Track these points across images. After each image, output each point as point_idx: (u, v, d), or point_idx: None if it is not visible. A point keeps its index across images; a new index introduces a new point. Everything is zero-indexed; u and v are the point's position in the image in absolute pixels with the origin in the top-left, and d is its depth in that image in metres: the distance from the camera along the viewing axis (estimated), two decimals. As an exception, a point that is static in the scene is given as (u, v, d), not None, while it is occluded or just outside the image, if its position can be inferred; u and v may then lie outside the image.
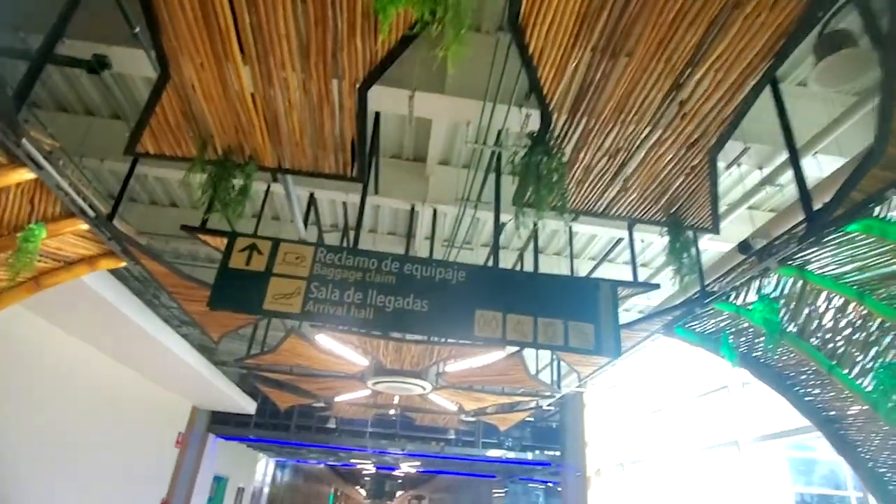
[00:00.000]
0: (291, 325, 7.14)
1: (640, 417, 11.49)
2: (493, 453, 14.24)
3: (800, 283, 4.53)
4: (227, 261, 3.90)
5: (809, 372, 4.89)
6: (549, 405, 11.98)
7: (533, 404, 10.57)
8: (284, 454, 18.86)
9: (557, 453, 14.35)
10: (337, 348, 7.02)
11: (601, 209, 3.81)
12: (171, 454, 11.37)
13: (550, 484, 20.17)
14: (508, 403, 10.50)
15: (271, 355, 7.47)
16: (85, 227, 4.43)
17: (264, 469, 19.82)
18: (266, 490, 20.34)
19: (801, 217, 4.19)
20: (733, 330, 5.35)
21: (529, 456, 14.31)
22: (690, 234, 3.88)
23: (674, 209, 3.76)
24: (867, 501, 6.00)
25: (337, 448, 14.85)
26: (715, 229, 3.83)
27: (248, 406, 12.35)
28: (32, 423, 6.96)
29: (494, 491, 22.25)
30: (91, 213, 4.36)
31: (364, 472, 27.84)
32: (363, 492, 51.26)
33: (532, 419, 14.30)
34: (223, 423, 13.41)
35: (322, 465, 25.79)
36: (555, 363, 9.08)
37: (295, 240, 4.30)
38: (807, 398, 4.92)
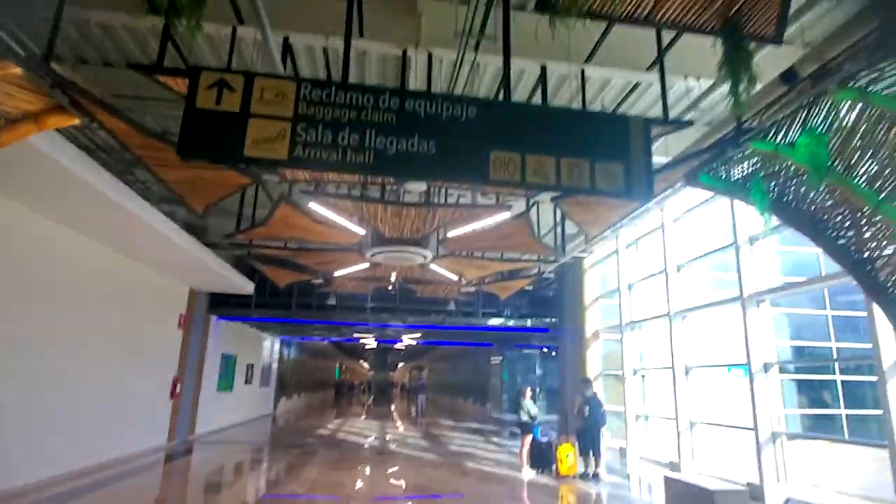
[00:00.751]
0: (281, 193, 6.62)
1: (641, 280, 11.61)
2: (493, 322, 14.60)
3: (853, 113, 4.02)
4: (194, 99, 3.26)
5: (846, 213, 4.56)
6: (549, 272, 11.98)
7: (535, 271, 10.51)
8: (288, 333, 19.43)
9: (555, 320, 14.77)
10: (332, 217, 6.59)
11: (644, 13, 3.12)
12: (175, 335, 11.46)
13: (545, 349, 21.25)
14: (510, 271, 10.40)
15: (263, 228, 7.04)
16: (18, 71, 3.69)
17: (271, 347, 20.56)
18: (275, 366, 21.30)
19: (869, 27, 3.55)
20: (764, 174, 4.94)
21: (528, 323, 14.74)
22: (750, 44, 3.24)
23: (732, 11, 3.09)
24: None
25: (338, 324, 15.18)
26: (778, 38, 3.19)
27: (247, 286, 12.25)
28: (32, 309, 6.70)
29: (492, 358, 23.54)
30: (20, 51, 3.60)
31: (367, 347, 29.21)
32: (367, 365, 54.72)
33: (530, 287, 14.47)
34: (223, 305, 13.45)
35: (326, 342, 26.88)
36: (558, 228, 8.78)
37: (271, 74, 3.62)
38: (839, 241, 4.64)
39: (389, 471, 9.20)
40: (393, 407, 30.57)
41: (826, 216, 4.76)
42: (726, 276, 18.85)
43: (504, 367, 22.86)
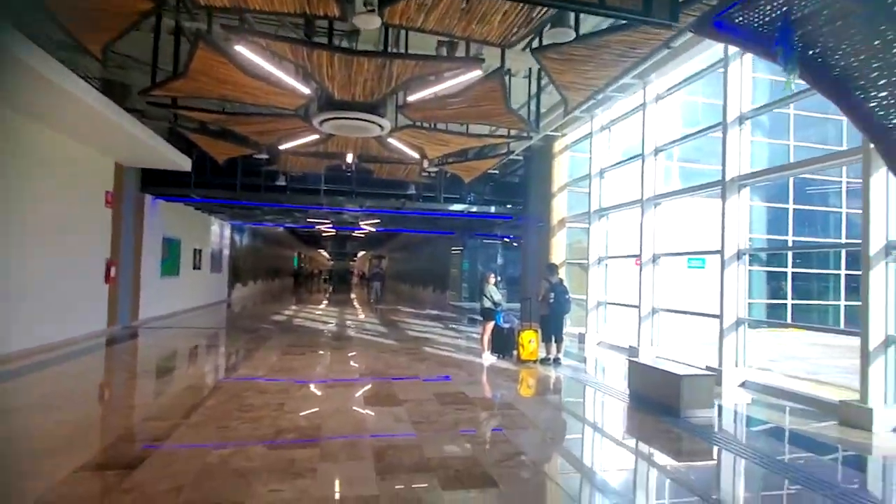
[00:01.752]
0: (198, 30, 5.30)
1: (615, 166, 10.97)
2: (455, 208, 13.91)
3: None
4: None
5: (883, 69, 3.83)
6: (517, 153, 11.13)
7: (503, 150, 9.63)
8: (238, 217, 18.28)
9: (520, 207, 14.20)
10: (266, 66, 5.38)
11: None
12: (103, 214, 10.25)
13: (507, 239, 21.03)
14: (476, 150, 9.51)
15: (183, 81, 5.75)
16: None
17: (220, 232, 19.48)
18: (226, 252, 20.38)
19: None
20: (792, 18, 4.06)
21: (492, 210, 14.12)
22: None
23: None
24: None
25: (290, 207, 14.15)
26: None
27: (182, 162, 10.92)
28: None
29: (453, 247, 23.28)
30: None
31: (325, 235, 28.41)
32: (326, 253, 54.36)
33: (496, 171, 13.68)
34: (158, 183, 12.12)
35: (282, 229, 25.88)
36: (532, 101, 7.77)
37: None
38: (870, 103, 3.97)
39: (347, 355, 8.87)
40: (353, 295, 30.67)
41: (857, 74, 4.01)
42: (696, 166, 18.56)
43: (465, 256, 22.74)
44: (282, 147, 8.66)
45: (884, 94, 3.91)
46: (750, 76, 7.53)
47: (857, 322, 5.65)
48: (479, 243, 22.85)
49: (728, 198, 7.37)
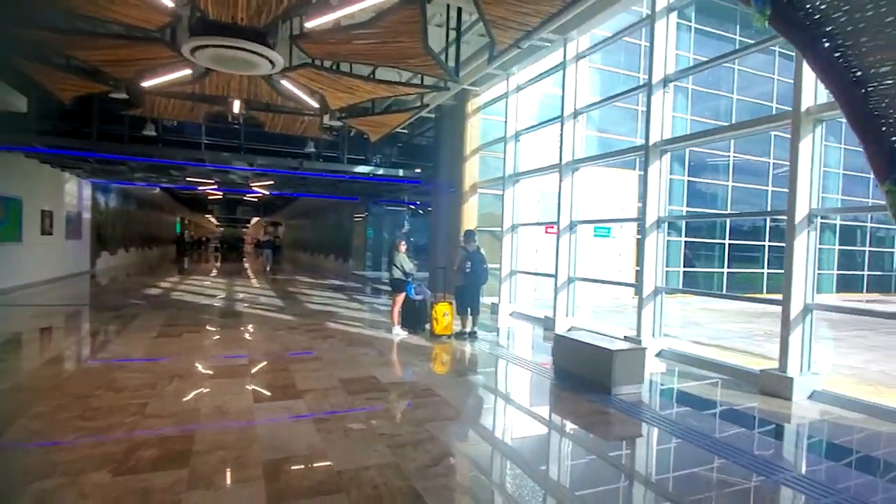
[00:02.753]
0: None
1: (533, 129, 10.48)
2: (360, 170, 12.75)
3: None
4: None
5: (852, 13, 3.48)
6: (429, 110, 10.24)
7: (416, 105, 8.68)
8: (98, 174, 15.50)
9: (429, 171, 13.38)
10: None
11: None
12: None
13: (413, 206, 20.19)
14: (386, 101, 8.47)
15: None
16: None
17: (78, 192, 16.50)
18: (86, 216, 17.41)
19: None
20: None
21: (400, 173, 13.14)
22: None
23: None
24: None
25: (164, 162, 12.09)
26: None
27: (15, 101, 8.70)
28: None
29: (356, 214, 21.97)
30: None
31: (210, 197, 25.62)
32: (213, 219, 49.97)
33: (405, 131, 12.69)
34: (-17, 127, 9.63)
35: (157, 190, 22.82)
36: (452, 48, 6.87)
37: None
38: (835, 53, 3.63)
39: (235, 335, 7.63)
40: (246, 264, 28.27)
41: (829, 22, 3.64)
42: (609, 136, 18.88)
43: (369, 224, 21.59)
44: (145, 84, 7.01)
45: (849, 42, 3.57)
46: (674, 36, 7.24)
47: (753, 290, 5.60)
48: (383, 210, 21.81)
49: (651, 164, 7.11)
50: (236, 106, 8.66)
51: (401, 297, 7.87)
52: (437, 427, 3.99)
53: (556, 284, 8.88)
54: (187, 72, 6.48)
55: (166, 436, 3.53)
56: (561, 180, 8.81)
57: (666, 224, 7.34)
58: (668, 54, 7.09)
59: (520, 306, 10.59)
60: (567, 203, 8.85)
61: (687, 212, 20.88)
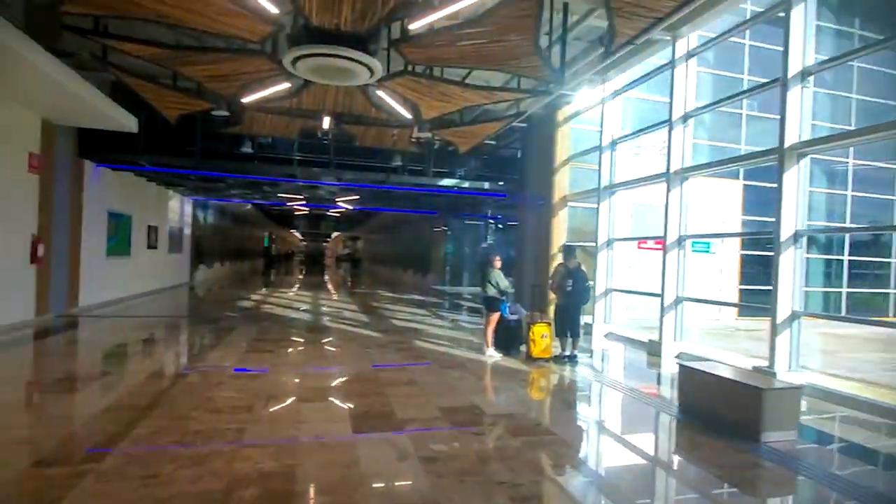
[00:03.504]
0: None
1: (633, 135, 9.74)
2: (445, 183, 12.47)
3: None
4: None
5: None
6: (521, 120, 9.76)
7: (511, 112, 8.25)
8: (200, 191, 16.42)
9: (514, 184, 12.86)
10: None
11: None
12: (27, 181, 8.51)
13: (493, 220, 19.73)
14: (477, 109, 8.09)
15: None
16: None
17: (181, 208, 17.59)
18: (187, 231, 18.50)
19: None
20: None
21: (486, 186, 12.73)
22: None
23: None
24: None
25: (259, 179, 12.48)
26: None
27: (126, 122, 9.18)
28: None
29: (435, 228, 21.85)
30: None
31: (297, 213, 26.62)
32: (298, 234, 52.23)
33: (493, 142, 12.26)
34: (100, 148, 10.33)
35: (250, 206, 23.99)
36: (557, 48, 6.35)
37: None
38: None
39: (325, 351, 7.48)
40: (327, 277, 29.05)
41: None
42: (712, 143, 17.47)
43: (448, 238, 21.38)
44: (245, 101, 7.10)
45: None
46: (814, 22, 6.30)
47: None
48: (462, 224, 21.53)
49: (786, 170, 6.18)
50: (327, 122, 8.72)
51: (495, 317, 7.37)
52: (563, 477, 3.42)
53: (662, 305, 8.01)
54: (286, 85, 6.46)
55: (266, 471, 3.23)
56: (669, 191, 7.99)
57: (805, 239, 6.34)
58: (806, 43, 6.16)
59: (616, 327, 9.75)
60: (675, 216, 7.99)
61: (827, 226, 18.80)
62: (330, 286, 22.26)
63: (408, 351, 7.61)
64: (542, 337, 7.09)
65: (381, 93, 6.62)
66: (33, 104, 8.25)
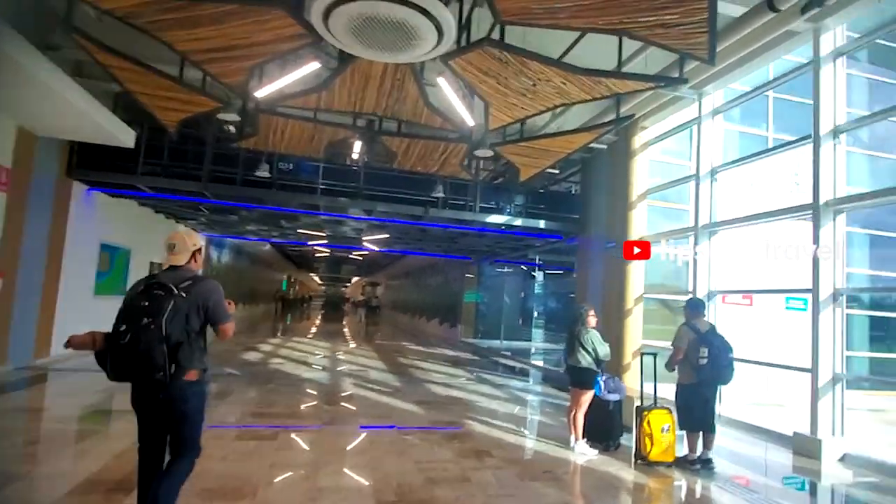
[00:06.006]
0: None
1: (745, 160, 7.77)
2: (494, 220, 10.56)
3: None
4: None
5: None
6: (614, 131, 7.91)
7: (610, 118, 6.38)
8: (212, 225, 14.79)
9: (562, 223, 10.90)
10: None
11: None
12: (-9, 201, 6.87)
13: (537, 268, 17.70)
14: (562, 110, 6.25)
15: None
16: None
17: (191, 245, 15.98)
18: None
19: None
20: None
21: (541, 224, 10.76)
22: None
23: None
24: None
25: (275, 209, 10.72)
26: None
27: (122, 135, 7.63)
28: None
29: (467, 275, 19.82)
30: None
31: (317, 255, 24.97)
32: (317, 278, 50.70)
33: (556, 171, 10.42)
34: (93, 166, 8.74)
35: (268, 247, 22.39)
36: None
37: None
38: None
39: (348, 444, 5.39)
40: (345, 323, 26.99)
41: None
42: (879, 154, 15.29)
43: (481, 286, 19.32)
44: (260, 94, 5.35)
45: None
46: None
47: None
48: (495, 271, 19.54)
49: (822, 226, 4.24)
50: (357, 149, 7.13)
51: (588, 397, 5.21)
52: None
53: (815, 386, 5.78)
54: (314, 66, 4.70)
55: None
56: (818, 228, 5.90)
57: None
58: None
59: (726, 407, 7.43)
60: (828, 262, 5.88)
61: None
62: (349, 335, 20.17)
63: (464, 442, 5.44)
64: (663, 431, 4.88)
65: (442, 81, 4.84)
66: (8, 106, 6.69)
